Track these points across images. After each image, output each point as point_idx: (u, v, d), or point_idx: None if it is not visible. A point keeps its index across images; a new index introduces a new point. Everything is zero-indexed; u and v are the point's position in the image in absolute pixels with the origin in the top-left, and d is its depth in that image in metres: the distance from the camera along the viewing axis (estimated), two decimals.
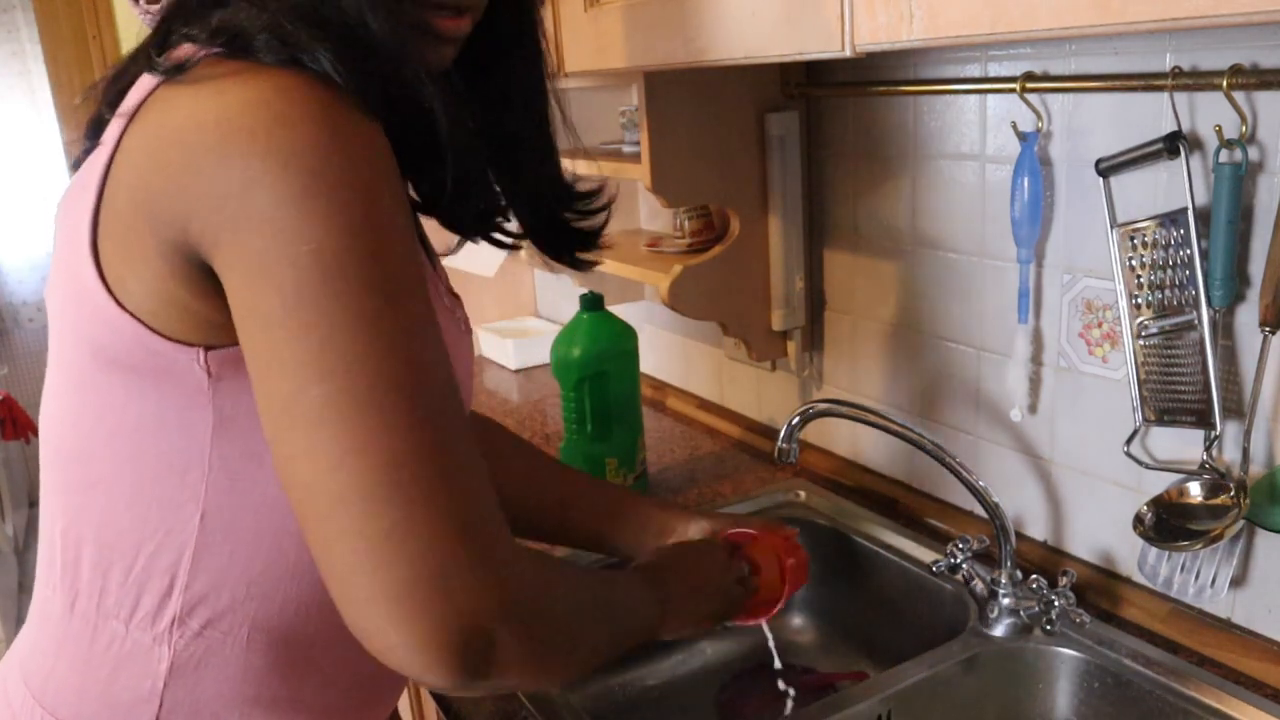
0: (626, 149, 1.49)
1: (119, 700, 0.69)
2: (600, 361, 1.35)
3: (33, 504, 3.92)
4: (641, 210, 1.77)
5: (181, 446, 0.65)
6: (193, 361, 0.62)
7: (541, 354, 2.04)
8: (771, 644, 1.03)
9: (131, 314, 0.61)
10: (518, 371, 2.08)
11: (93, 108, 0.68)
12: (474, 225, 0.85)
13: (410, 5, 0.65)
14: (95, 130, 0.66)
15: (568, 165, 0.89)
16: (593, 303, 1.38)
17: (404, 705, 1.24)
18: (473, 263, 1.90)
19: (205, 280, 0.59)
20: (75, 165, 0.71)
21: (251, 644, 0.70)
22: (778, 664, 1.03)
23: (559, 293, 2.19)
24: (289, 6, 0.59)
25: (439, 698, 1.03)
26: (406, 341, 0.57)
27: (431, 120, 0.63)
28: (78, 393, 0.67)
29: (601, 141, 1.70)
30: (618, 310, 1.44)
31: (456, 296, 0.81)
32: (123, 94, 0.65)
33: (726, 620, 0.93)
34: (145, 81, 0.62)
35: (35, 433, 3.19)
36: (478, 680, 0.57)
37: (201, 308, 0.61)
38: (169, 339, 0.62)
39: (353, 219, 0.55)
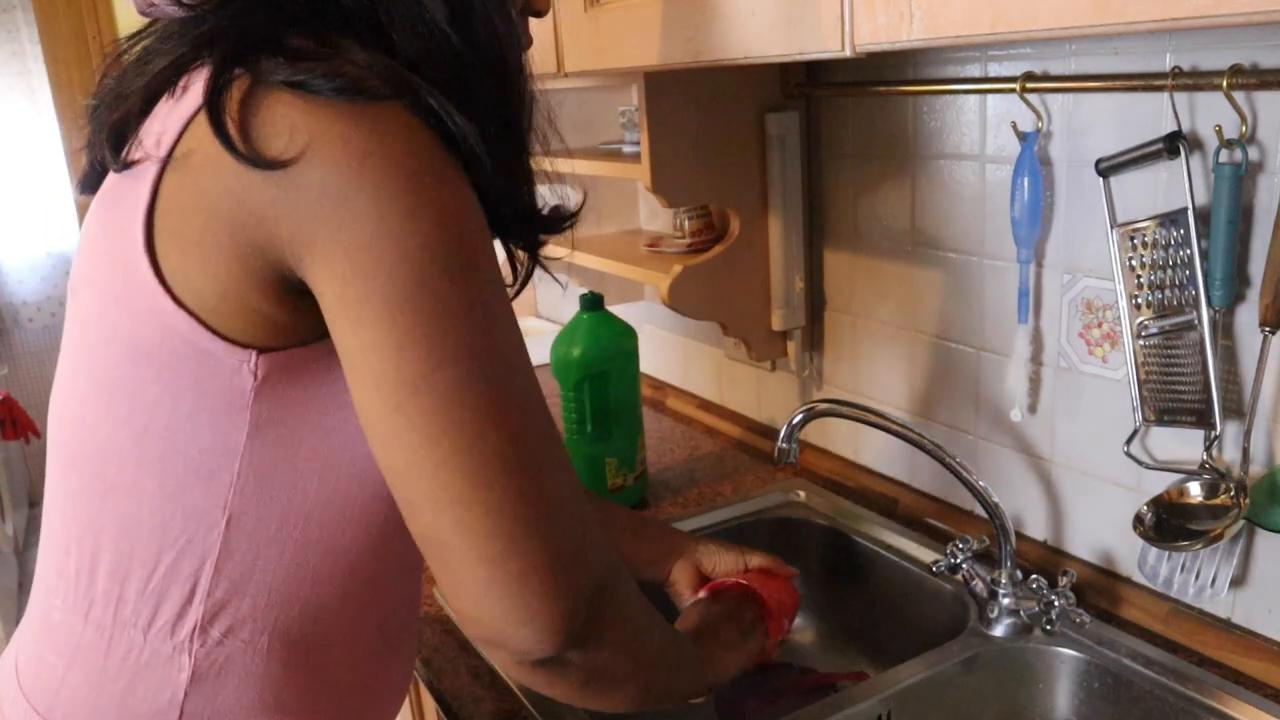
0: (626, 149, 1.49)
1: (136, 712, 0.68)
2: (600, 361, 1.35)
3: (33, 504, 3.92)
4: (641, 210, 1.77)
5: (213, 450, 0.64)
6: (242, 364, 0.62)
7: (541, 354, 2.04)
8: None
9: (190, 312, 0.61)
10: None
11: (109, 115, 0.66)
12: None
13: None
14: (117, 139, 0.65)
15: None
16: (593, 303, 1.38)
17: (404, 707, 1.24)
18: None
19: (281, 283, 0.61)
20: (94, 176, 0.70)
21: (271, 652, 0.69)
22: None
23: (559, 293, 2.19)
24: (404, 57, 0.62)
25: (440, 700, 1.03)
26: (508, 328, 0.62)
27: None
28: (104, 393, 0.66)
29: (601, 141, 1.70)
30: (618, 310, 1.45)
31: None
32: (150, 104, 0.64)
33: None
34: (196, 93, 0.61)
35: (35, 433, 3.18)
36: (578, 648, 0.63)
37: (271, 310, 0.61)
38: (224, 339, 0.62)
39: (452, 216, 0.59)
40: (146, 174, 0.62)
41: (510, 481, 0.58)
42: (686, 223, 1.47)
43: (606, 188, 1.72)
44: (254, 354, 0.62)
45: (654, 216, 1.74)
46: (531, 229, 0.75)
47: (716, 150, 1.30)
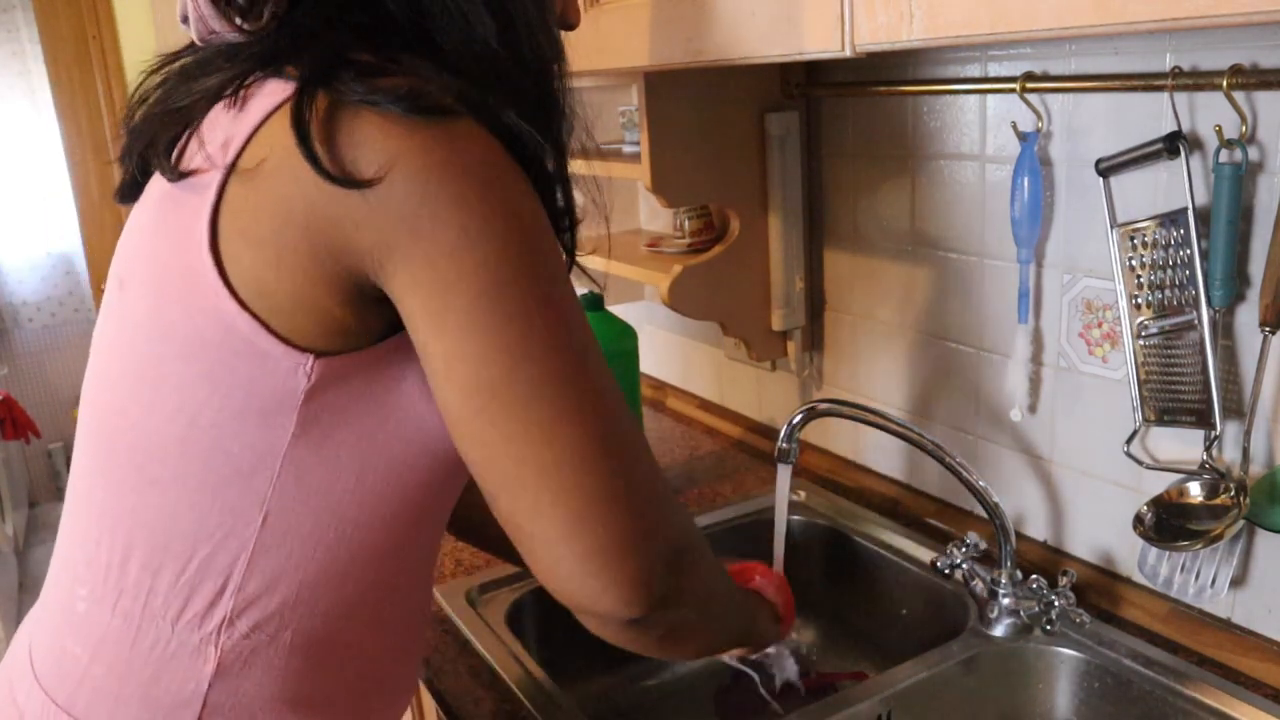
0: (626, 149, 1.50)
1: (160, 703, 0.69)
2: None
3: (33, 504, 3.91)
4: (641, 210, 1.77)
5: (256, 449, 0.66)
6: (299, 366, 0.64)
7: None
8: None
9: (252, 313, 0.63)
10: None
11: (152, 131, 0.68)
12: None
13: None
14: (171, 148, 0.66)
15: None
16: (593, 303, 1.38)
17: None
18: None
19: (354, 288, 0.63)
20: (132, 185, 0.72)
21: (294, 647, 0.70)
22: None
23: None
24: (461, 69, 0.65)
25: (440, 700, 1.03)
26: (581, 324, 0.65)
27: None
28: (149, 387, 0.67)
29: (601, 142, 1.70)
30: (618, 310, 1.45)
31: None
32: (204, 115, 0.66)
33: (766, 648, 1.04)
34: (272, 92, 0.62)
35: (36, 433, 3.18)
36: (659, 610, 0.65)
37: (340, 312, 0.63)
38: (284, 341, 0.63)
39: (523, 220, 0.62)
40: (209, 180, 0.63)
41: (583, 471, 0.62)
42: (686, 223, 1.47)
43: (607, 188, 1.72)
44: (311, 358, 0.64)
45: (654, 216, 1.74)
46: (567, 232, 0.77)
47: (716, 150, 1.30)
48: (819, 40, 0.81)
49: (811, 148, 1.37)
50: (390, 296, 0.62)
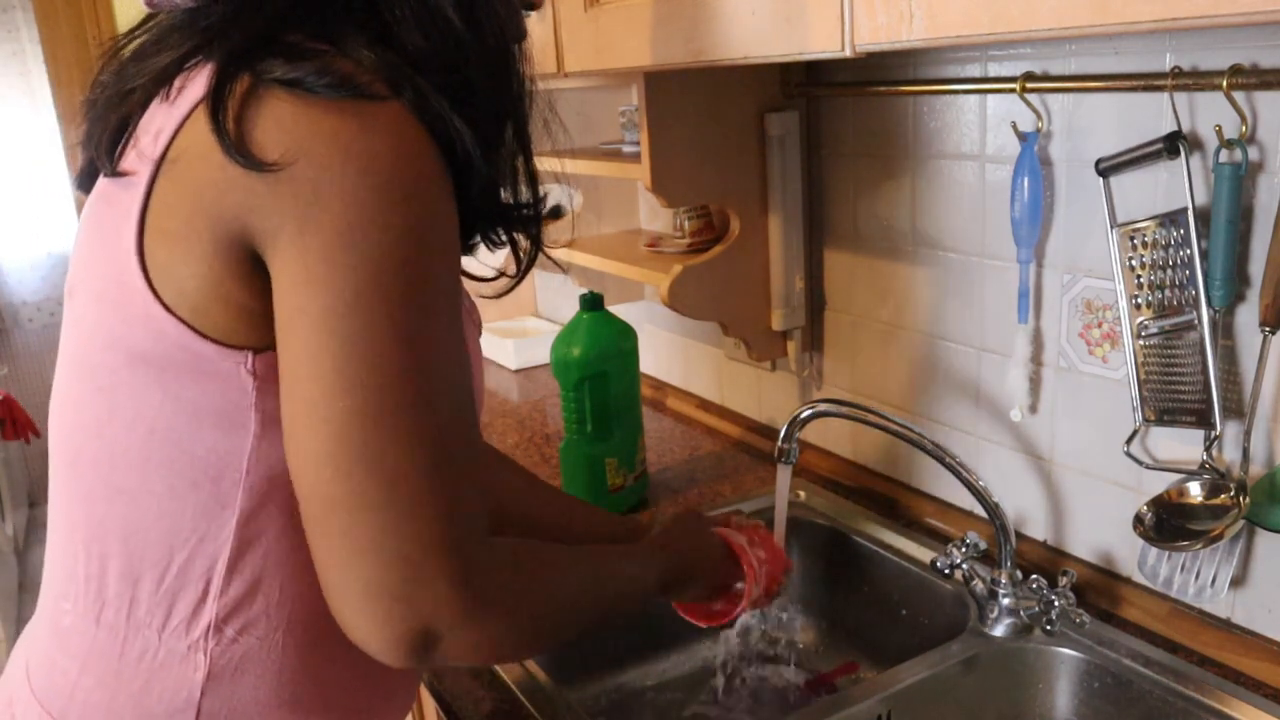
0: (626, 149, 1.50)
1: (152, 712, 0.68)
2: (600, 361, 1.35)
3: (33, 504, 3.91)
4: (641, 210, 1.77)
5: (219, 450, 0.64)
6: (239, 366, 0.62)
7: (541, 354, 2.04)
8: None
9: (179, 318, 0.61)
10: (518, 371, 2.09)
11: (105, 121, 0.66)
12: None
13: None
14: (113, 141, 0.65)
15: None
16: (593, 303, 1.38)
17: None
18: (470, 262, 1.90)
19: (259, 276, 0.60)
20: (91, 172, 0.70)
21: (286, 648, 0.69)
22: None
23: (559, 293, 2.19)
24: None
25: (439, 698, 1.03)
26: (436, 364, 0.60)
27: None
28: (105, 396, 0.66)
29: (601, 141, 1.70)
30: (618, 310, 1.44)
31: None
32: (148, 104, 0.64)
33: (718, 593, 0.96)
34: (196, 89, 0.61)
35: (36, 433, 3.18)
36: (422, 665, 0.63)
37: (255, 304, 0.61)
38: (216, 342, 0.62)
39: (414, 233, 0.58)
40: (141, 177, 0.62)
41: (368, 514, 0.58)
42: (686, 223, 1.47)
43: (606, 188, 1.72)
44: (250, 355, 0.62)
45: (654, 216, 1.74)
46: (531, 221, 0.75)
47: (716, 150, 1.30)
48: (819, 40, 0.81)
49: (811, 148, 1.37)
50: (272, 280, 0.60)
